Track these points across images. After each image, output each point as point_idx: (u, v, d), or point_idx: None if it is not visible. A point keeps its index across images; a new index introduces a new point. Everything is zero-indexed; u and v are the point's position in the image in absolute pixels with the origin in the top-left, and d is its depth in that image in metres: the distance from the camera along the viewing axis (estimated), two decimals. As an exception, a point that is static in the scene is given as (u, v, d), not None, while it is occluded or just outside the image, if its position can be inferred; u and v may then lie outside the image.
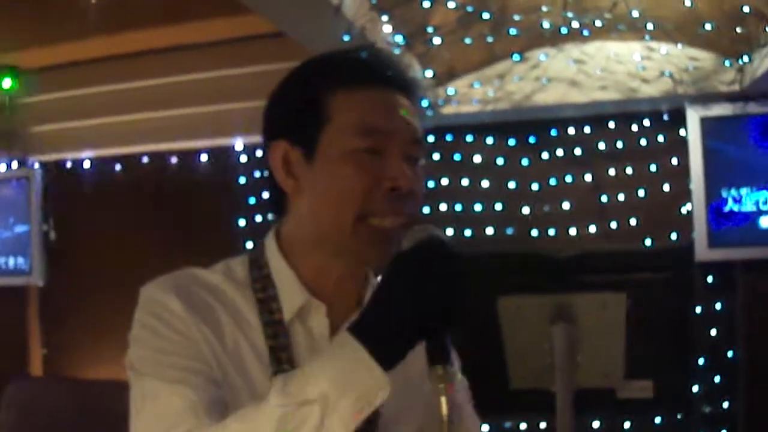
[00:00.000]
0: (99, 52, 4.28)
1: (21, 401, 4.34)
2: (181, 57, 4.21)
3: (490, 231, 4.03)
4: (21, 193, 4.76)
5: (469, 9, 3.26)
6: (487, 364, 2.51)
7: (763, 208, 3.76)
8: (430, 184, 4.03)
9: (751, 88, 3.64)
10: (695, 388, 3.73)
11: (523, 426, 3.83)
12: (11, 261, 4.82)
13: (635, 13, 3.41)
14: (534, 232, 3.99)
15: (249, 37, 3.93)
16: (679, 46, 3.76)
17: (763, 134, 3.78)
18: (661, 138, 3.94)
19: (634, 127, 3.96)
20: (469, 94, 3.91)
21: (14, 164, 4.83)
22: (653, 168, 3.93)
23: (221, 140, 4.38)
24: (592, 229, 3.95)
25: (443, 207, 4.07)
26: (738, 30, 3.39)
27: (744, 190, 3.78)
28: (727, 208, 3.78)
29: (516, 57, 3.83)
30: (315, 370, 0.99)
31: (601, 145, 3.99)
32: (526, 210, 4.02)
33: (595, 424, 3.74)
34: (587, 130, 4.01)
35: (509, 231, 4.02)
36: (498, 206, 4.05)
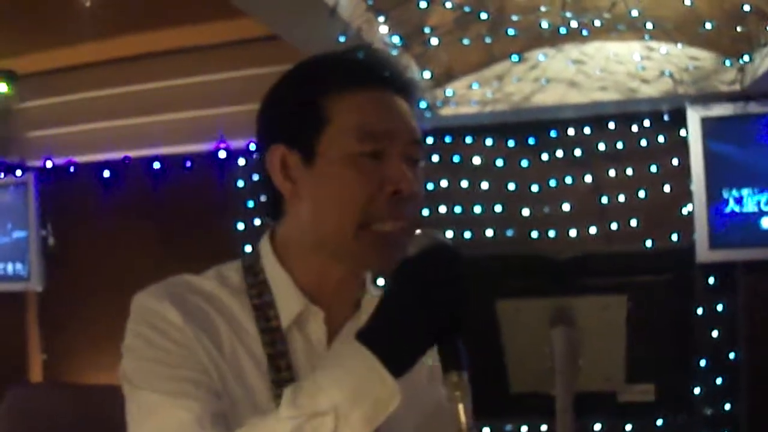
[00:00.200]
0: (95, 57, 4.28)
1: (21, 407, 4.33)
2: (178, 60, 4.21)
3: (489, 233, 4.01)
4: (19, 198, 4.75)
5: (467, 9, 3.24)
6: (487, 367, 2.48)
7: (764, 208, 3.73)
8: (430, 186, 4.00)
9: (752, 87, 3.61)
10: (697, 390, 3.70)
11: (524, 429, 3.81)
12: (9, 267, 4.81)
13: (635, 13, 3.39)
14: (534, 234, 3.97)
15: (244, 40, 3.92)
16: (679, 45, 3.74)
17: (765, 134, 3.76)
18: (661, 138, 3.92)
19: (635, 128, 3.94)
20: (468, 95, 3.89)
21: (12, 169, 4.80)
22: (654, 169, 3.91)
23: (219, 143, 4.37)
24: (593, 230, 3.92)
25: (443, 209, 4.05)
26: (738, 29, 3.36)
27: (745, 191, 3.76)
28: (728, 209, 3.76)
29: (515, 58, 3.81)
30: (326, 381, 0.97)
31: (601, 146, 3.96)
32: (525, 212, 4.00)
33: (597, 427, 3.72)
34: (587, 130, 3.99)
35: (509, 233, 4.00)
36: (498, 208, 4.02)
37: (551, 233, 3.96)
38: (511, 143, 4.06)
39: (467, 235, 4.03)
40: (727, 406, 3.73)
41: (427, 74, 3.65)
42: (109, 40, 4.03)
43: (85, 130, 4.61)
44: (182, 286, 1.19)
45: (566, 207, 3.97)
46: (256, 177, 4.22)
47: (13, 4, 3.51)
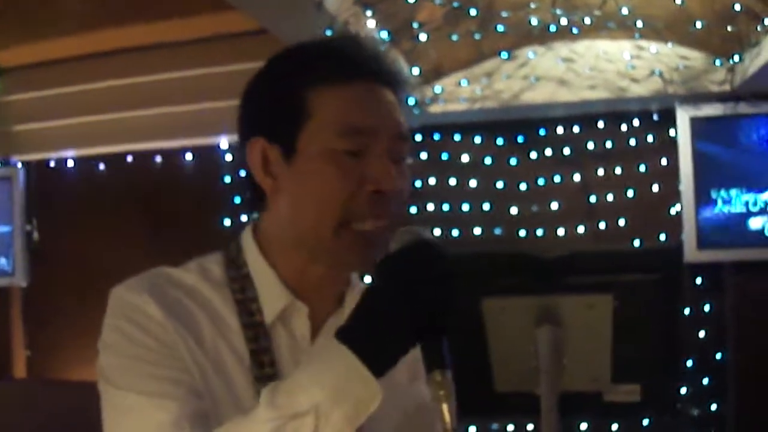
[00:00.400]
0: (82, 50, 4.23)
1: (4, 403, 4.30)
2: (164, 55, 4.17)
3: (477, 231, 3.99)
4: (3, 193, 4.70)
5: (456, 5, 3.22)
6: (472, 366, 2.47)
7: (752, 209, 3.73)
8: (418, 183, 4.00)
9: (742, 88, 3.61)
10: (683, 390, 3.70)
11: (510, 428, 3.80)
12: (-6, 262, 4.77)
13: (625, 11, 3.38)
14: (522, 233, 3.96)
15: (232, 34, 3.89)
16: (669, 44, 3.73)
17: (754, 135, 3.75)
18: (650, 138, 3.91)
19: (624, 127, 3.93)
20: (457, 93, 3.87)
21: (-3, 164, 4.77)
22: (642, 168, 3.90)
23: (206, 139, 4.33)
24: (581, 229, 3.92)
25: (430, 207, 4.03)
26: (729, 29, 3.36)
27: (733, 191, 3.75)
28: (716, 209, 3.76)
29: (504, 55, 3.80)
30: (305, 381, 0.94)
31: (590, 145, 3.95)
32: (514, 210, 3.98)
33: (583, 427, 3.72)
34: (576, 129, 3.98)
35: (497, 231, 3.99)
36: (486, 206, 4.01)
37: (539, 232, 3.95)
38: (499, 141, 4.04)
39: (455, 233, 4.01)
40: (714, 407, 3.73)
41: (415, 71, 3.63)
42: (98, 33, 3.99)
43: (71, 124, 4.56)
44: (162, 279, 1.16)
45: (555, 206, 3.96)
46: (242, 173, 4.19)
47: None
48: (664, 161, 3.88)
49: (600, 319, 2.49)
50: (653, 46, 3.75)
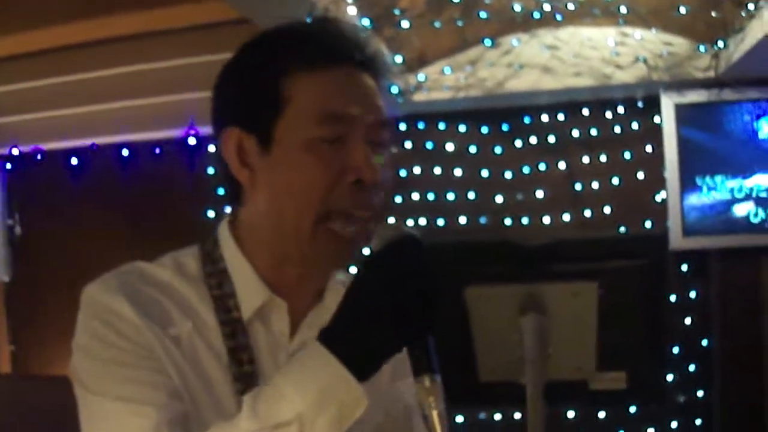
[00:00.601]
0: (63, 41, 4.18)
1: (-11, 399, 4.26)
2: (147, 45, 4.13)
3: (463, 220, 3.97)
4: (-16, 187, 4.66)
5: (438, -9, 3.20)
6: (456, 356, 2.44)
7: (737, 195, 3.72)
8: (402, 173, 3.97)
9: (727, 74, 3.60)
10: (669, 377, 3.70)
11: (497, 417, 3.79)
12: (-25, 257, 4.72)
13: (608, -3, 3.37)
14: (507, 221, 3.95)
15: (214, 23, 3.84)
16: (654, 31, 3.71)
17: (739, 121, 3.74)
18: (635, 125, 3.90)
19: (609, 115, 3.92)
20: (441, 81, 3.84)
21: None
22: (627, 156, 3.90)
23: (189, 130, 4.30)
24: (566, 217, 3.91)
25: (415, 196, 4.01)
26: (713, 14, 3.35)
27: (719, 178, 3.75)
28: (701, 196, 3.75)
29: (488, 42, 3.77)
30: (288, 388, 0.91)
31: (575, 133, 3.94)
32: (499, 199, 3.96)
33: (570, 415, 3.71)
34: (561, 117, 3.96)
35: (482, 220, 3.97)
36: (471, 195, 3.99)
37: (525, 220, 3.93)
38: (484, 130, 4.02)
39: (440, 222, 3.99)
40: (700, 393, 3.74)
41: (398, 59, 3.60)
42: (76, 24, 3.94)
43: (52, 116, 4.52)
44: (136, 277, 1.11)
45: (540, 194, 3.94)
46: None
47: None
48: (649, 148, 3.87)
49: (585, 307, 2.47)
50: (637, 33, 3.73)
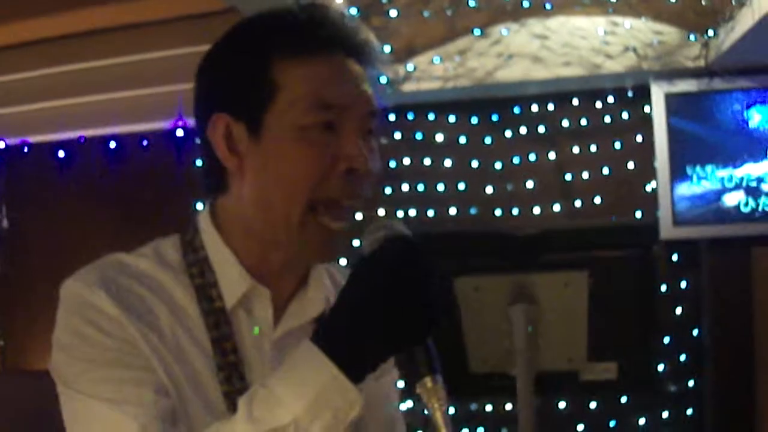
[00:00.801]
0: (49, 33, 4.15)
1: (-22, 396, 4.23)
2: (134, 36, 4.10)
3: (453, 211, 3.96)
4: (-30, 180, 4.62)
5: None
6: (446, 347, 2.43)
7: (727, 185, 3.72)
8: (392, 163, 3.95)
9: (717, 63, 3.59)
10: (660, 367, 3.70)
11: (488, 408, 3.78)
12: (-38, 251, 4.68)
13: (598, -15, 3.35)
14: (498, 212, 3.93)
15: (202, 14, 3.82)
16: (643, 20, 3.69)
17: (729, 111, 3.73)
18: (625, 115, 3.89)
19: (598, 104, 3.90)
20: (430, 71, 3.81)
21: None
22: (618, 145, 3.88)
23: (177, 122, 4.27)
24: (557, 207, 3.89)
25: (405, 187, 3.99)
26: (703, 3, 3.33)
27: (709, 168, 3.74)
28: (692, 186, 3.74)
29: (477, 32, 3.74)
30: (284, 392, 0.90)
31: (565, 123, 3.92)
32: (489, 189, 3.94)
33: (561, 406, 3.71)
34: (551, 107, 3.94)
35: (473, 211, 3.95)
36: (461, 186, 3.97)
37: (515, 211, 3.92)
38: (474, 120, 4.00)
39: (430, 213, 3.97)
40: (691, 383, 3.73)
41: (387, 48, 3.57)
42: (62, 15, 3.91)
43: (38, 108, 4.49)
44: (115, 269, 1.09)
45: (530, 184, 3.93)
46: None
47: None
48: (639, 138, 3.85)
49: (575, 297, 2.47)
50: (627, 22, 3.71)
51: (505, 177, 3.95)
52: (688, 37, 3.67)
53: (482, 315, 2.45)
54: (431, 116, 4.03)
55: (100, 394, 1.00)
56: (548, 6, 3.62)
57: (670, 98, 3.76)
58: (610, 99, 3.88)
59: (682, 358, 3.73)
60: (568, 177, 3.91)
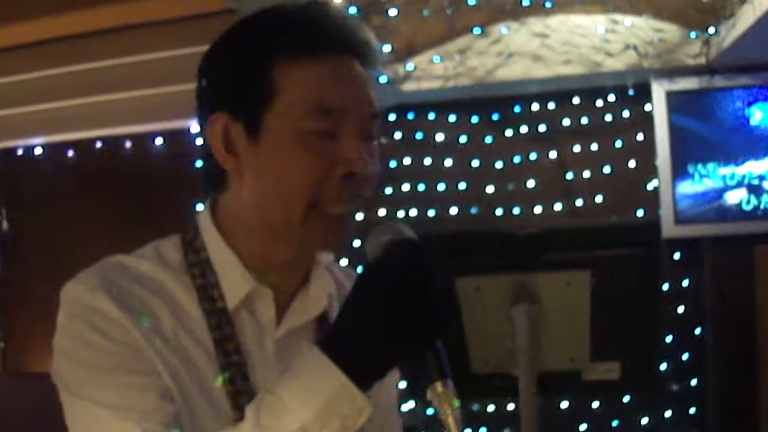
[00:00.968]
0: (49, 34, 4.14)
1: (-22, 398, 4.24)
2: (130, 37, 4.09)
3: (454, 211, 3.95)
4: (-30, 182, 4.62)
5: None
6: (448, 347, 2.42)
7: (729, 183, 3.70)
8: (392, 163, 3.94)
9: (718, 61, 3.57)
10: (663, 367, 3.69)
11: (490, 408, 3.77)
12: (-38, 253, 4.68)
13: (598, -17, 3.34)
14: (499, 211, 3.92)
15: (201, 15, 3.81)
16: (644, 17, 3.68)
17: (730, 108, 3.72)
18: (626, 113, 3.87)
19: (599, 103, 3.89)
20: (430, 70, 3.80)
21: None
22: (619, 144, 3.87)
23: (177, 123, 4.26)
24: (558, 206, 3.88)
25: (406, 187, 3.98)
26: (704, 0, 3.32)
27: (711, 166, 3.72)
28: (693, 184, 3.73)
29: (477, 31, 3.73)
30: (291, 399, 0.89)
31: (566, 122, 3.91)
32: (490, 189, 3.93)
33: (563, 405, 3.70)
34: (551, 106, 3.93)
35: (473, 210, 3.94)
36: (462, 185, 3.96)
37: (516, 210, 3.91)
38: (474, 119, 3.99)
39: (431, 213, 3.96)
40: (694, 382, 3.72)
41: (387, 48, 3.56)
42: (64, 16, 3.91)
43: (38, 110, 4.48)
44: (116, 271, 1.08)
45: (531, 183, 3.92)
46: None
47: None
48: (640, 136, 3.84)
49: (578, 296, 2.46)
50: (627, 19, 3.70)
51: (506, 176, 3.94)
52: (689, 35, 3.66)
53: (484, 315, 2.44)
54: (431, 116, 4.01)
55: (104, 401, 0.99)
56: (548, 4, 3.62)
57: (671, 96, 3.75)
58: (611, 97, 3.87)
59: (685, 357, 3.72)
60: (570, 176, 3.89)
